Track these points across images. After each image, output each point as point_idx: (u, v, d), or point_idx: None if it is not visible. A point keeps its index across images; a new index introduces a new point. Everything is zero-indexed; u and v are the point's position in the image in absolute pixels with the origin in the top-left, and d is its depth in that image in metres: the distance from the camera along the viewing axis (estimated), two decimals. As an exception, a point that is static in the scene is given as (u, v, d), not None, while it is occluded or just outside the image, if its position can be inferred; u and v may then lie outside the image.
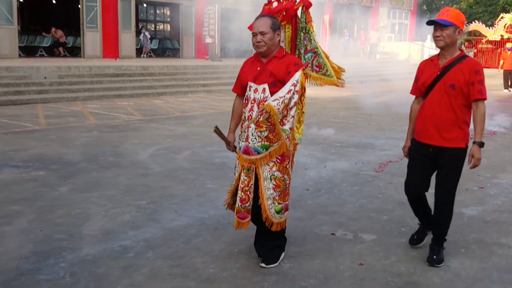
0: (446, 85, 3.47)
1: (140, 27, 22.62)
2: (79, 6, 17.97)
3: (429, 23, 3.53)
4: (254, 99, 3.42)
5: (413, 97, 3.83)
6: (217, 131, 3.51)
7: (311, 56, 3.80)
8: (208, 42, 20.34)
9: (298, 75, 3.31)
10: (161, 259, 3.68)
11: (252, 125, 3.37)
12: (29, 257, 3.67)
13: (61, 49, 19.18)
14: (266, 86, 3.38)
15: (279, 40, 3.50)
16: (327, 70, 3.88)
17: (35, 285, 3.26)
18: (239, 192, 3.51)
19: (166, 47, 23.25)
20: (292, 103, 3.26)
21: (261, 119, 3.20)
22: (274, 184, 3.42)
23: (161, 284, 3.32)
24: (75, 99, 12.85)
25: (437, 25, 3.47)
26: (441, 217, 3.67)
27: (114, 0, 18.47)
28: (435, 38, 3.50)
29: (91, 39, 18.10)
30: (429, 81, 3.56)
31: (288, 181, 3.51)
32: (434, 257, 3.66)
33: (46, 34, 19.43)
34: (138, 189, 5.40)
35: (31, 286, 3.25)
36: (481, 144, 3.45)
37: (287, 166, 3.47)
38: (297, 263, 3.66)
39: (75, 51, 19.79)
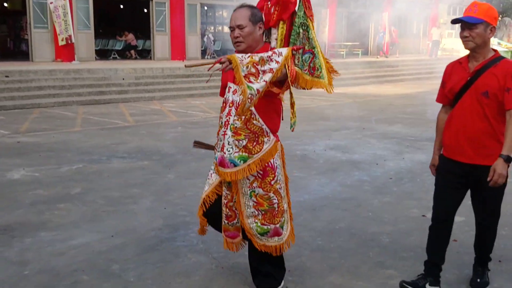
0: (477, 92, 2.98)
1: (203, 30, 23.49)
2: (146, 10, 19.00)
3: (455, 21, 3.03)
4: (232, 102, 2.93)
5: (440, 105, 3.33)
6: (198, 145, 3.25)
7: (309, 57, 3.10)
8: (270, 43, 20.95)
9: (284, 49, 2.84)
10: (273, 233, 4.27)
11: (229, 132, 2.90)
12: (162, 228, 4.34)
13: (132, 51, 20.32)
14: None
15: (262, 34, 3.00)
16: (320, 72, 3.36)
17: (175, 249, 3.92)
18: (224, 208, 3.11)
19: (227, 48, 24.05)
20: (265, 67, 2.73)
21: (219, 67, 2.73)
22: (255, 202, 2.97)
23: (279, 252, 3.89)
24: (151, 98, 13.75)
25: (464, 24, 2.97)
26: (483, 241, 3.28)
27: (181, 4, 19.37)
28: (463, 39, 2.99)
29: (161, 42, 19.10)
30: (457, 87, 3.07)
31: (276, 201, 2.99)
32: (478, 280, 3.30)
33: (119, 37, 20.64)
34: (234, 177, 6.02)
35: (173, 250, 3.91)
36: (508, 159, 2.88)
37: (272, 183, 2.96)
38: (393, 239, 4.15)
39: (144, 54, 20.92)
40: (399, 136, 8.61)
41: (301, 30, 3.09)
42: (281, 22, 3.09)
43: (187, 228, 4.36)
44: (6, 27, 22.20)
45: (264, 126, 2.92)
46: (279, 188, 3.00)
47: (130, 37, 20.39)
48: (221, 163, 2.95)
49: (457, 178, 3.12)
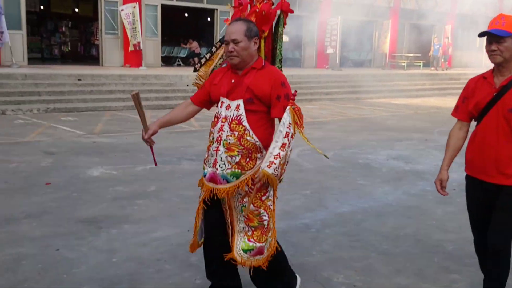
0: (504, 109, 2.85)
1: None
2: (209, 19, 19.58)
3: (482, 35, 2.91)
4: (225, 117, 2.87)
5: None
6: (136, 98, 2.96)
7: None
8: (330, 52, 21.10)
9: (287, 117, 2.74)
10: (339, 235, 4.45)
11: (222, 148, 2.85)
12: (234, 226, 4.62)
13: (196, 59, 20.97)
14: (241, 102, 2.85)
15: (257, 49, 2.94)
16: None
17: (247, 246, 4.18)
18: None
19: (287, 56, 24.36)
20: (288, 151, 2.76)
21: (257, 186, 2.77)
22: (245, 217, 2.92)
23: (346, 253, 4.07)
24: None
25: (492, 37, 2.85)
26: (496, 268, 3.00)
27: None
28: (490, 53, 2.87)
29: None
30: (483, 103, 2.94)
31: (266, 218, 2.93)
32: None
33: (183, 45, 21.39)
34: (299, 182, 6.24)
35: (245, 246, 4.17)
36: None
37: (263, 198, 2.89)
38: (458, 247, 4.23)
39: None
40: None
41: (281, 42, 3.09)
42: (262, 36, 3.03)
43: (257, 227, 4.61)
44: (78, 32, 23.46)
45: (258, 143, 2.86)
46: (270, 205, 2.95)
47: (194, 45, 21.09)
48: (212, 179, 2.91)
49: (484, 198, 3.00)
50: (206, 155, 2.99)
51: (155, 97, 13.75)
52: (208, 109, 3.15)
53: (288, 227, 4.64)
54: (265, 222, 2.92)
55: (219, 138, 2.86)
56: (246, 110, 2.83)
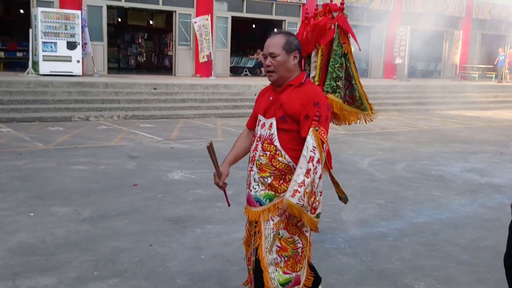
0: None
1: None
2: (276, 30, 19.83)
3: None
4: (260, 136, 2.73)
5: None
6: (211, 149, 2.87)
7: (346, 84, 2.99)
8: (398, 63, 20.85)
9: (311, 140, 2.52)
10: (417, 244, 4.50)
11: (255, 169, 2.71)
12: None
13: (262, 69, 21.37)
14: (273, 121, 2.68)
15: (297, 64, 2.74)
16: (361, 104, 3.21)
17: (326, 250, 4.32)
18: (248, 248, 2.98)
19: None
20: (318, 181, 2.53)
21: (283, 219, 2.60)
22: (278, 246, 2.68)
23: (425, 262, 4.13)
24: (282, 113, 14.42)
25: None
26: None
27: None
28: None
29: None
30: None
31: (300, 245, 2.72)
32: None
33: (250, 56, 21.86)
34: (372, 191, 6.31)
35: (323, 250, 4.31)
36: None
37: (298, 224, 2.67)
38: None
39: (272, 71, 21.87)
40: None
41: (338, 58, 2.94)
42: (320, 50, 2.91)
43: (334, 233, 4.75)
44: (152, 43, 24.53)
45: (292, 164, 2.65)
46: (306, 231, 2.73)
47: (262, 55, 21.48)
48: (248, 201, 2.81)
49: None
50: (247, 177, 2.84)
51: (224, 106, 14.17)
52: None
53: (365, 234, 4.74)
54: (299, 250, 2.71)
55: (253, 158, 2.74)
56: (278, 128, 2.65)
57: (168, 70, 20.09)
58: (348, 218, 5.21)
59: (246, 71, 21.37)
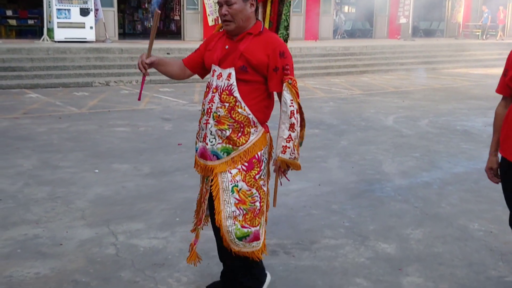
0: None
1: (336, 10, 23.91)
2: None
3: None
4: (216, 87, 2.59)
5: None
6: (156, 18, 2.71)
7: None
8: (402, 22, 20.90)
9: (287, 95, 2.52)
10: (462, 191, 4.83)
11: (212, 121, 2.58)
12: (359, 182, 5.08)
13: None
14: (232, 71, 2.55)
15: (254, 12, 2.60)
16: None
17: (378, 198, 4.63)
18: (199, 207, 2.86)
19: (357, 28, 24.31)
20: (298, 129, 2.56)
21: (280, 177, 2.67)
22: (236, 199, 2.61)
23: (473, 206, 4.45)
24: (294, 75, 14.59)
25: None
26: None
27: (317, -15, 19.97)
28: None
29: (296, 22, 19.87)
30: None
31: (258, 199, 2.64)
32: None
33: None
34: (404, 146, 6.60)
35: (376, 198, 4.63)
36: None
37: (256, 177, 2.62)
38: None
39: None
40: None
41: (287, 7, 2.84)
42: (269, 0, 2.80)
43: (381, 183, 5.05)
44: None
45: (251, 116, 2.57)
46: (263, 185, 2.67)
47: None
48: (203, 154, 2.66)
49: None
50: (197, 129, 2.72)
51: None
52: (202, 77, 2.88)
53: (411, 184, 5.05)
54: (257, 204, 2.64)
55: (209, 110, 2.59)
56: (238, 79, 2.54)
57: (174, 35, 20.05)
58: (389, 170, 5.51)
59: (251, 34, 21.32)
